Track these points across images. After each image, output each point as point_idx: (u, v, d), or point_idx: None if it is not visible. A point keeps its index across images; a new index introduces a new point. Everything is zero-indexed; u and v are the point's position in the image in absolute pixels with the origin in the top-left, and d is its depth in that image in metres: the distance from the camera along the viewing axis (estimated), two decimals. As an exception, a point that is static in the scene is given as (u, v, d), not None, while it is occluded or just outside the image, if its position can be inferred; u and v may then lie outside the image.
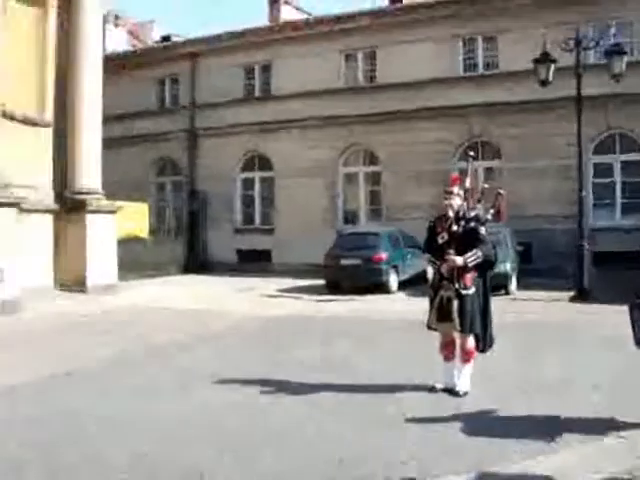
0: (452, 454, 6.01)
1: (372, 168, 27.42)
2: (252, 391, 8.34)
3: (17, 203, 16.37)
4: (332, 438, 6.52)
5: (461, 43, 25.55)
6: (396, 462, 5.82)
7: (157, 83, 31.94)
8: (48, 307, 16.03)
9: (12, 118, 17.63)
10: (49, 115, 19.02)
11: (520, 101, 23.17)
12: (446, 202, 8.23)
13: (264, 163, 29.33)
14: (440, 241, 8.17)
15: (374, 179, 27.43)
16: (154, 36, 38.43)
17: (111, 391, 8.49)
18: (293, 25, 29.15)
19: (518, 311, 15.35)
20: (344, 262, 20.38)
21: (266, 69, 29.36)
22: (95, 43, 19.90)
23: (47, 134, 18.98)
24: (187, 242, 28.97)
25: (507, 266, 18.19)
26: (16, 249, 14.78)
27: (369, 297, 19.11)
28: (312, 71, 27.24)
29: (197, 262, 28.17)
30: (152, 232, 27.73)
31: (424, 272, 8.64)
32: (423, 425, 6.87)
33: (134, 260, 22.48)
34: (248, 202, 29.93)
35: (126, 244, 22.24)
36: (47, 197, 18.78)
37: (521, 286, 19.38)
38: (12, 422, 7.11)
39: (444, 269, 8.09)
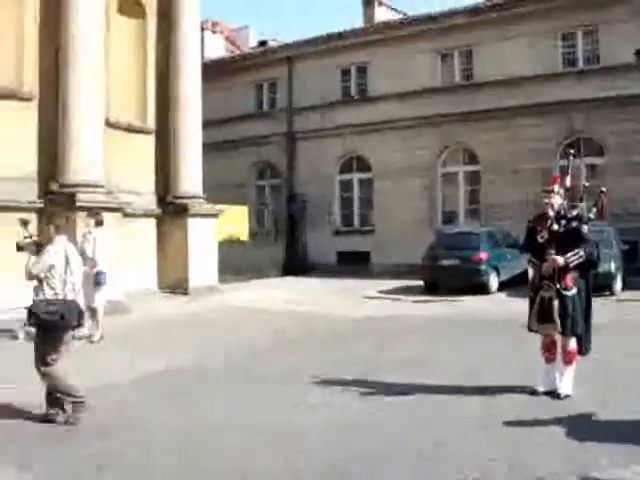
0: (553, 458, 5.90)
1: (471, 167, 27.13)
2: (339, 390, 8.37)
3: (121, 208, 16.87)
4: (426, 440, 6.46)
5: (560, 38, 25.02)
6: (495, 465, 5.75)
7: (255, 87, 32.45)
8: (153, 308, 16.46)
9: (117, 127, 18.17)
10: (151, 122, 19.51)
11: (622, 95, 22.46)
12: (546, 201, 8.12)
13: (362, 164, 29.40)
14: (540, 240, 8.06)
15: (473, 178, 27.10)
16: (250, 42, 39.05)
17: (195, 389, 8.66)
18: (388, 25, 29.13)
19: (622, 311, 15.00)
20: (443, 262, 20.20)
21: (362, 70, 29.45)
22: (194, 50, 20.29)
23: (149, 141, 19.48)
24: (286, 244, 29.24)
25: (611, 266, 17.79)
26: (120, 253, 15.13)
27: (468, 298, 18.90)
28: (408, 71, 27.18)
29: (297, 264, 28.33)
30: (252, 235, 28.14)
31: (526, 272, 8.53)
32: (523, 428, 6.79)
33: (234, 262, 22.77)
34: (347, 204, 30.06)
35: (226, 247, 22.60)
36: (150, 202, 19.25)
37: (626, 286, 18.91)
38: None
39: (545, 269, 7.96)
